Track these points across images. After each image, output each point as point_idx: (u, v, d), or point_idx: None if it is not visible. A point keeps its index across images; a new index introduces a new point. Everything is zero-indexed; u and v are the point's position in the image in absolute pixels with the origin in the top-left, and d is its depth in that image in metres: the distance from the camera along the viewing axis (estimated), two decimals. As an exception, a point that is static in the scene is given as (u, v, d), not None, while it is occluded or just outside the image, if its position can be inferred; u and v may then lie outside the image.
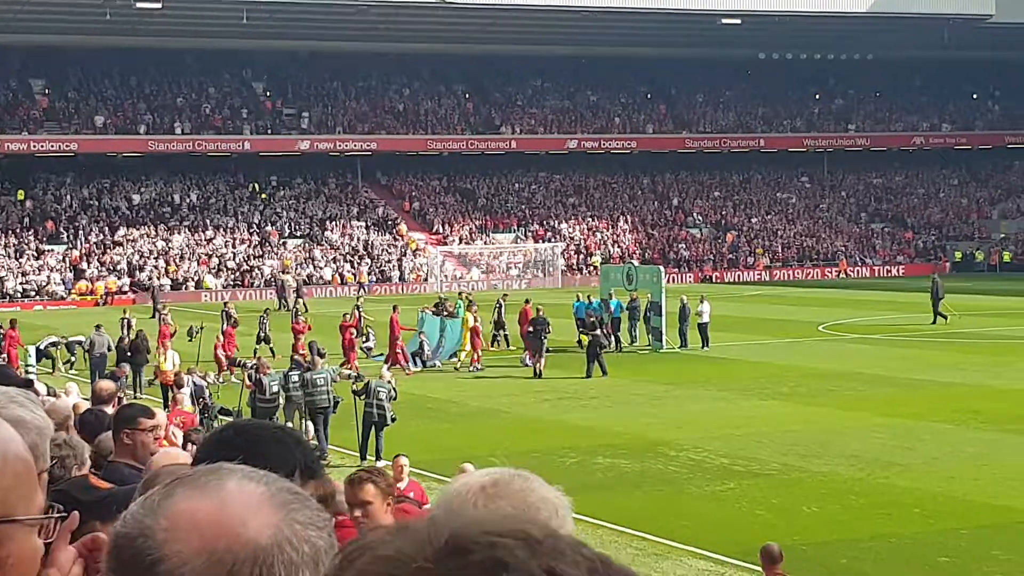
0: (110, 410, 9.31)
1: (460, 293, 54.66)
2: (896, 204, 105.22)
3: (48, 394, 14.30)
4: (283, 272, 79.70)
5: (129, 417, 7.39)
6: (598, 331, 39.11)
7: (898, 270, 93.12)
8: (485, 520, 1.55)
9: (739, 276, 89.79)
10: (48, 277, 79.35)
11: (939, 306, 51.98)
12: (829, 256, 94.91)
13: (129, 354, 37.96)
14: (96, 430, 8.13)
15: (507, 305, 48.06)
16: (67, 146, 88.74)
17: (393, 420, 26.51)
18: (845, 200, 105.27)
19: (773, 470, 23.98)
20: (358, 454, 26.24)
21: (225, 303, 55.95)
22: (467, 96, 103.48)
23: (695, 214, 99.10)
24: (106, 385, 11.55)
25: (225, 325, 44.03)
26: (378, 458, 25.45)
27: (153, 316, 63.17)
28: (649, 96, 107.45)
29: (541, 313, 40.76)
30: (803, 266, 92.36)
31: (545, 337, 39.25)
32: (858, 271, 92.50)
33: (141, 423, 7.10)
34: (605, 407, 32.61)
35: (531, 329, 39.83)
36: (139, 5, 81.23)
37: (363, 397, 26.57)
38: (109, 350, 39.18)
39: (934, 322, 51.36)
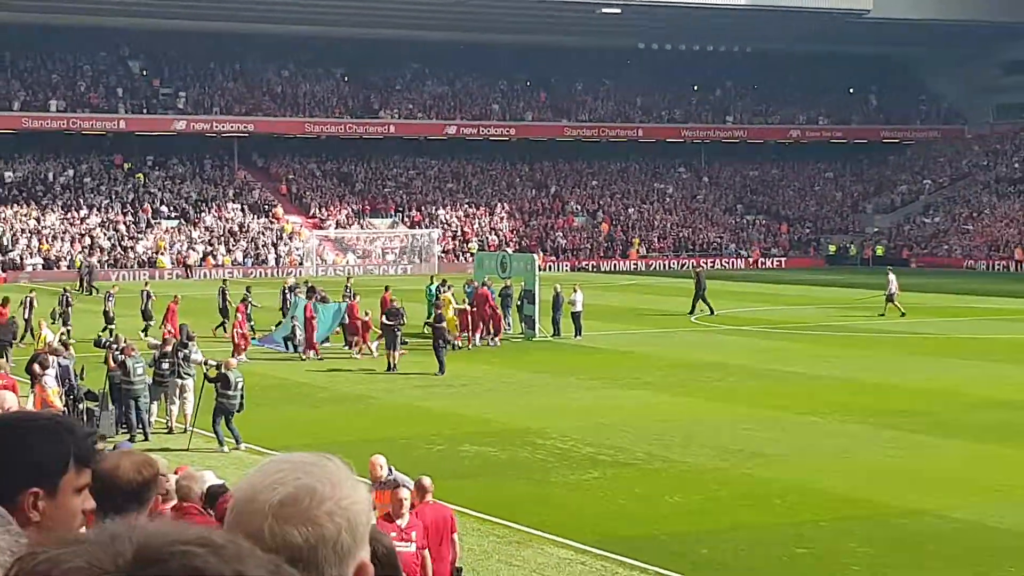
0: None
1: (432, 277, 53.87)
2: (772, 197, 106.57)
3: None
4: (89, 255, 78.08)
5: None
6: (443, 324, 37.68)
7: (772, 262, 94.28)
8: (168, 530, 1.60)
9: (615, 265, 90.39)
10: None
11: (703, 297, 52.73)
12: (705, 247, 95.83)
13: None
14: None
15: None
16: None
17: (240, 409, 26.15)
18: (722, 191, 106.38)
19: (638, 459, 24.15)
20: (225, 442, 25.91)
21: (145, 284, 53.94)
22: (346, 79, 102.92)
23: (572, 203, 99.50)
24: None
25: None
26: (238, 443, 25.32)
27: (89, 292, 62.73)
28: (528, 83, 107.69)
29: (396, 304, 39.87)
30: (678, 256, 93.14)
31: (399, 329, 37.66)
32: (732, 263, 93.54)
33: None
34: (475, 395, 32.63)
35: (385, 320, 38.45)
36: (12, -22, 79.67)
37: (219, 386, 26.06)
38: None
39: (692, 312, 52.11)
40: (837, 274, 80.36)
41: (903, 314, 50.89)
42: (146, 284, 51.20)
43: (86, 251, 79.39)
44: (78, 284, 66.84)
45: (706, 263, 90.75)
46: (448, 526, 14.93)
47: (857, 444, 25.87)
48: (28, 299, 44.68)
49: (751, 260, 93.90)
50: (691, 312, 52.27)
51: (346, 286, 49.42)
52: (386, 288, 45.07)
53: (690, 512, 20.39)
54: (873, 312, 52.68)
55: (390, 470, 15.96)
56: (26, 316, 43.30)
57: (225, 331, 44.36)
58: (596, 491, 21.84)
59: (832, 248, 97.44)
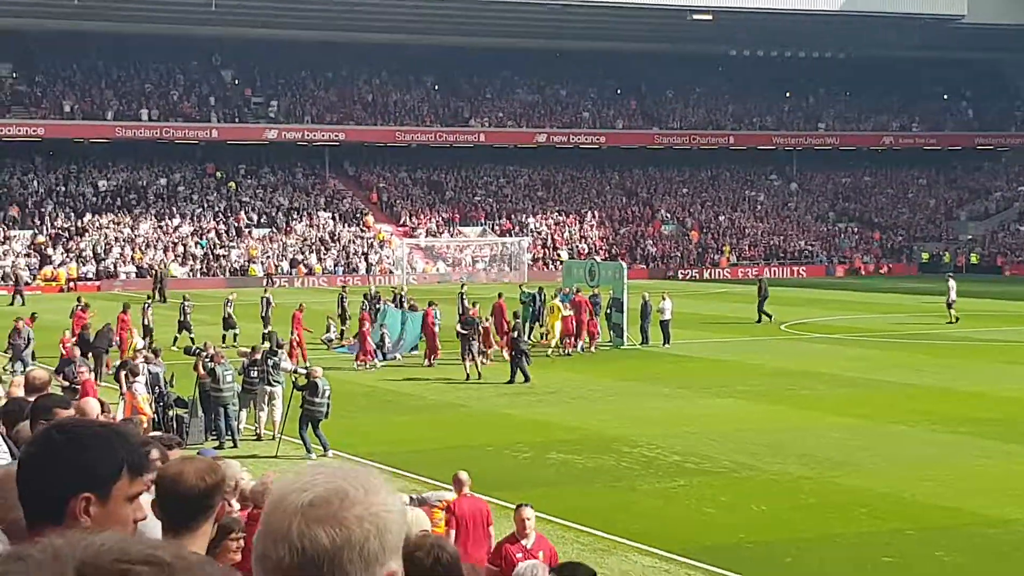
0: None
1: (521, 286, 53.81)
2: (864, 204, 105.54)
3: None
4: (162, 263, 78.79)
5: (45, 407, 7.36)
6: (516, 333, 37.22)
7: (865, 270, 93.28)
8: (112, 547, 1.55)
9: (705, 273, 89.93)
10: (13, 262, 78.91)
11: (763, 305, 52.70)
12: (796, 255, 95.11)
13: (92, 340, 37.68)
14: (16, 420, 8.07)
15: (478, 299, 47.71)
16: (34, 131, 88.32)
17: (327, 416, 26.28)
18: (814, 199, 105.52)
19: (724, 468, 24.02)
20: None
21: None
22: (436, 88, 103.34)
23: (663, 211, 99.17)
24: (38, 374, 11.43)
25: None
26: (325, 450, 25.41)
27: (163, 300, 63.41)
28: (619, 91, 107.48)
29: (472, 313, 39.77)
30: (769, 264, 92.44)
31: (475, 339, 37.40)
32: (825, 270, 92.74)
33: (56, 414, 7.04)
34: (562, 402, 32.60)
35: (460, 329, 37.97)
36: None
37: (307, 393, 26.20)
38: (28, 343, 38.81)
39: (759, 321, 52.04)
40: (930, 282, 79.35)
41: (956, 320, 51.37)
42: (266, 291, 53.15)
43: (161, 259, 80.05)
44: (153, 292, 67.48)
45: (799, 271, 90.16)
46: (484, 518, 15.61)
47: (947, 453, 25.58)
48: (146, 305, 46.12)
49: (855, 268, 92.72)
50: (759, 320, 52.12)
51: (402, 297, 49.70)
52: (499, 295, 44.85)
53: (776, 521, 20.24)
54: (942, 320, 52.30)
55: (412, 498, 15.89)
56: (145, 321, 44.11)
57: (342, 338, 45.21)
58: (682, 499, 21.76)
59: (925, 256, 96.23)
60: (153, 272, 73.81)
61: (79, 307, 43.01)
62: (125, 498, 3.25)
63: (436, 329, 40.71)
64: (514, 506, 14.68)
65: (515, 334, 37.05)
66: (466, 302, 47.30)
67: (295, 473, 2.37)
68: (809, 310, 59.04)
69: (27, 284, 74.81)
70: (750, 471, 23.77)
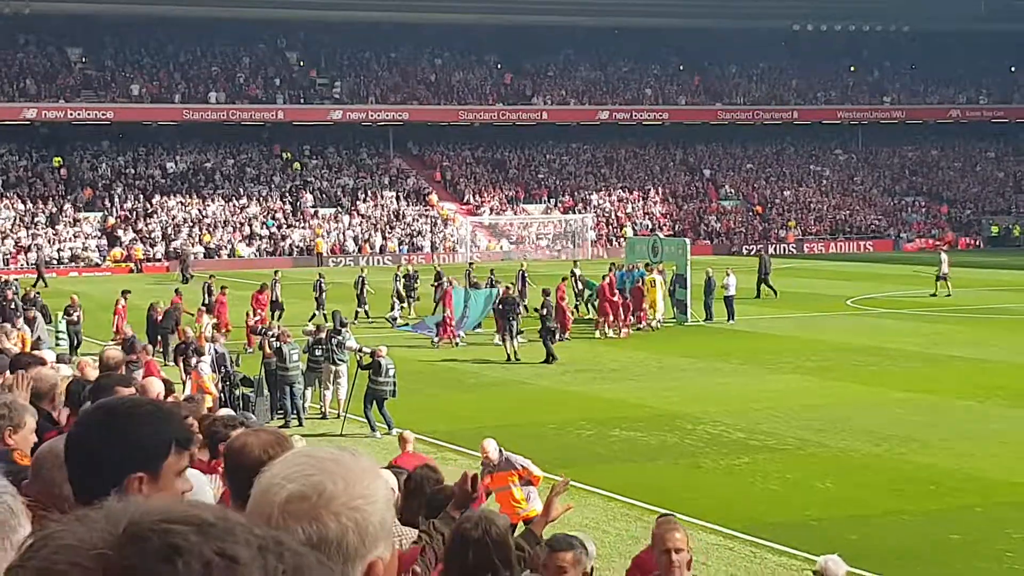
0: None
1: (575, 263, 53.54)
2: (931, 178, 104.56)
3: (58, 362, 14.29)
4: (192, 244, 79.28)
5: (106, 387, 7.44)
6: (545, 311, 36.42)
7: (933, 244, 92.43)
8: (160, 508, 1.63)
9: (770, 249, 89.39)
10: (83, 244, 79.83)
11: (767, 280, 52.96)
12: (862, 229, 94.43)
13: (160, 320, 37.98)
14: (80, 400, 8.17)
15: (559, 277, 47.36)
16: (103, 114, 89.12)
17: (393, 395, 26.38)
18: (880, 173, 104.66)
19: (789, 445, 23.91)
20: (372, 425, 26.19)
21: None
22: (499, 66, 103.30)
23: (727, 186, 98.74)
24: (112, 353, 11.57)
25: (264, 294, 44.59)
26: (390, 428, 25.48)
27: (185, 281, 63.84)
28: (681, 67, 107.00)
29: (511, 292, 39.65)
30: (835, 239, 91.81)
31: (515, 319, 36.85)
32: (891, 245, 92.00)
33: (117, 392, 7.12)
34: (626, 379, 32.56)
35: (500, 307, 37.87)
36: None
37: (371, 372, 26.33)
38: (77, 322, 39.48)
39: (757, 296, 51.85)
40: (999, 256, 78.56)
41: (946, 295, 51.76)
42: (363, 270, 52.86)
43: (185, 240, 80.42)
44: (180, 273, 68.39)
45: (866, 245, 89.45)
46: None
47: (1017, 428, 25.31)
48: (275, 280, 46.62)
49: (940, 243, 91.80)
50: (757, 295, 51.99)
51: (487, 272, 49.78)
52: (563, 278, 44.08)
53: (842, 498, 20.12)
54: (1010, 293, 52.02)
55: (500, 452, 16.07)
56: (274, 297, 45.19)
57: (367, 316, 45.55)
58: (747, 476, 21.68)
59: (994, 229, 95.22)
60: (178, 253, 74.51)
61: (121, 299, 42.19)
62: (175, 473, 3.31)
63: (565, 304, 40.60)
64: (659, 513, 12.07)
65: (544, 311, 36.40)
66: (527, 281, 47.38)
67: (281, 462, 2.38)
68: (876, 285, 58.60)
69: (96, 265, 75.64)
70: (816, 448, 23.65)
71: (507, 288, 40.75)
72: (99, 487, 3.09)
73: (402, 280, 48.36)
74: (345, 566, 2.19)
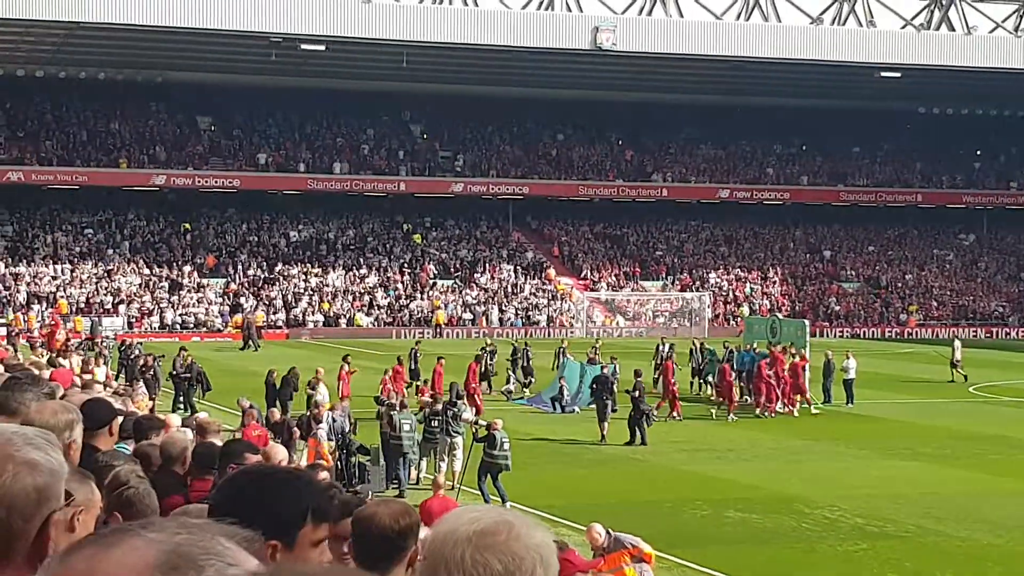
0: (219, 442, 9.54)
1: (694, 341, 52.13)
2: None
3: (183, 426, 14.59)
4: (251, 312, 79.82)
5: (234, 452, 7.63)
6: (637, 393, 35.14)
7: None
8: (320, 572, 1.65)
9: (889, 333, 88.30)
10: (207, 309, 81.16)
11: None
12: (985, 315, 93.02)
13: (277, 387, 38.30)
14: (208, 463, 8.33)
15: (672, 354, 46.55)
16: (230, 182, 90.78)
17: (507, 468, 26.38)
18: (1005, 259, 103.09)
19: (909, 532, 23.55)
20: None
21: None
22: (620, 143, 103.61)
23: (847, 268, 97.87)
24: (211, 419, 11.80)
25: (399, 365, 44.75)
26: (504, 502, 25.52)
27: (255, 349, 65.54)
28: (804, 147, 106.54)
29: (606, 370, 39.38)
30: (958, 325, 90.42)
31: (607, 398, 36.20)
32: (1015, 332, 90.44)
33: (246, 458, 7.29)
34: (742, 460, 32.30)
35: (593, 387, 37.57)
36: (304, 47, 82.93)
37: (486, 445, 26.40)
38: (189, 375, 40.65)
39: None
40: None
41: (964, 378, 51.62)
42: (488, 343, 52.92)
43: (249, 310, 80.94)
44: (244, 341, 69.43)
45: (991, 332, 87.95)
46: None
47: None
48: (488, 350, 47.86)
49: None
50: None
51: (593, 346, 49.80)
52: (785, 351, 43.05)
53: (961, 588, 19.79)
54: None
55: (609, 533, 16.09)
56: (487, 366, 46.22)
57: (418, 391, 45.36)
58: (864, 563, 21.38)
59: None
60: (244, 321, 75.19)
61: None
62: (310, 544, 3.36)
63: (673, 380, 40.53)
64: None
65: (636, 393, 35.24)
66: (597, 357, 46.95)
67: (453, 513, 2.50)
68: (1000, 373, 57.61)
69: (218, 331, 76.69)
70: (935, 536, 23.27)
71: (603, 366, 40.74)
72: None
73: (514, 355, 48.38)
74: None
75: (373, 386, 38.46)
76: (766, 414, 40.88)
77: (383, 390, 37.61)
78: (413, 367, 46.29)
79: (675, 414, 39.49)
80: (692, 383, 46.38)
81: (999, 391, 50.00)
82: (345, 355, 44.25)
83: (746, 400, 42.46)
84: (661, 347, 49.39)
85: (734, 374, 42.22)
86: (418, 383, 42.44)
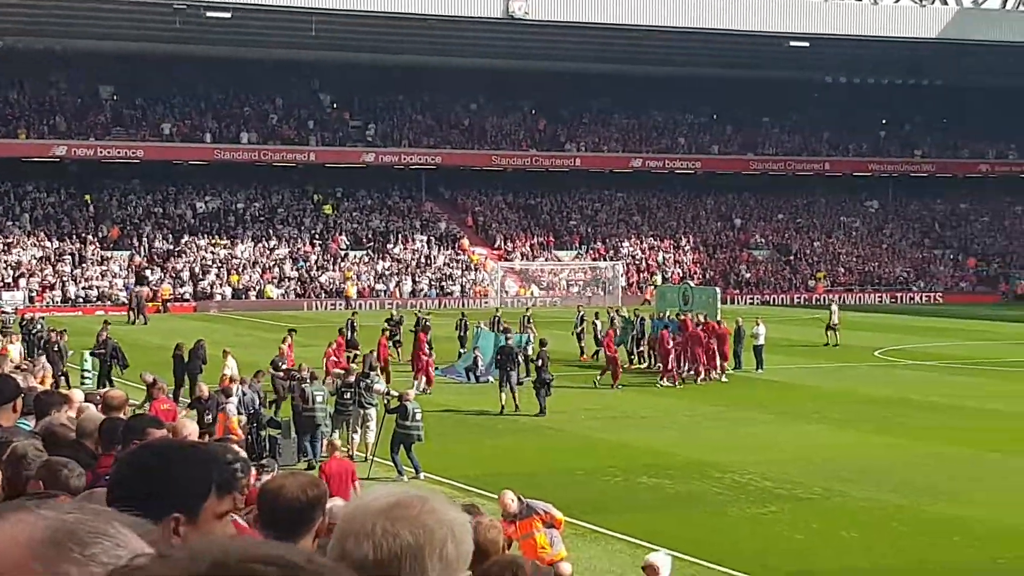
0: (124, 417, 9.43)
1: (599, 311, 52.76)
2: (960, 231, 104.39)
3: (87, 401, 14.41)
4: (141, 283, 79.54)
5: (137, 427, 7.54)
6: (540, 362, 35.36)
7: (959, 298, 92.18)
8: (245, 549, 1.61)
9: (798, 299, 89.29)
10: (111, 283, 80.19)
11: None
12: (890, 281, 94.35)
13: (186, 360, 37.85)
14: (114, 439, 8.23)
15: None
16: (133, 153, 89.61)
17: (420, 439, 26.39)
18: (909, 226, 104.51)
19: (815, 495, 23.88)
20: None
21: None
22: (533, 113, 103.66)
23: (757, 236, 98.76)
24: (116, 394, 11.67)
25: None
26: (417, 472, 25.59)
27: (139, 323, 65.05)
28: (715, 117, 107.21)
29: (511, 341, 39.48)
30: (864, 291, 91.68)
31: (512, 368, 35.87)
32: (919, 297, 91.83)
33: (149, 433, 7.20)
34: (654, 427, 32.53)
35: (498, 357, 37.40)
36: (209, 14, 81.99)
37: (398, 416, 26.37)
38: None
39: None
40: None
41: (834, 344, 52.61)
42: (397, 310, 53.66)
43: (135, 284, 79.77)
44: (128, 315, 69.16)
45: (896, 297, 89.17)
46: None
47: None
48: (349, 322, 47.63)
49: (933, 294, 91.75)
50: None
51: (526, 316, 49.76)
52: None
53: (868, 548, 20.08)
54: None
55: (520, 500, 16.21)
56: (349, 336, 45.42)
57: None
58: (772, 525, 21.66)
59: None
60: (130, 296, 74.50)
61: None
62: (215, 516, 3.32)
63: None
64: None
65: (539, 362, 35.60)
66: (531, 328, 47.04)
67: (371, 489, 2.51)
68: (904, 337, 58.45)
69: (123, 305, 75.64)
70: (842, 498, 23.61)
71: (507, 332, 40.94)
72: None
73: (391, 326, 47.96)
74: (443, 575, 2.28)
75: (312, 358, 38.08)
76: (699, 380, 41.20)
77: (327, 363, 37.62)
78: (350, 337, 46.02)
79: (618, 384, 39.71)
80: (597, 352, 46.51)
81: (902, 354, 50.71)
82: (290, 328, 44.42)
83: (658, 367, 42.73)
84: (586, 318, 49.67)
85: (645, 343, 42.59)
86: (356, 352, 42.57)
